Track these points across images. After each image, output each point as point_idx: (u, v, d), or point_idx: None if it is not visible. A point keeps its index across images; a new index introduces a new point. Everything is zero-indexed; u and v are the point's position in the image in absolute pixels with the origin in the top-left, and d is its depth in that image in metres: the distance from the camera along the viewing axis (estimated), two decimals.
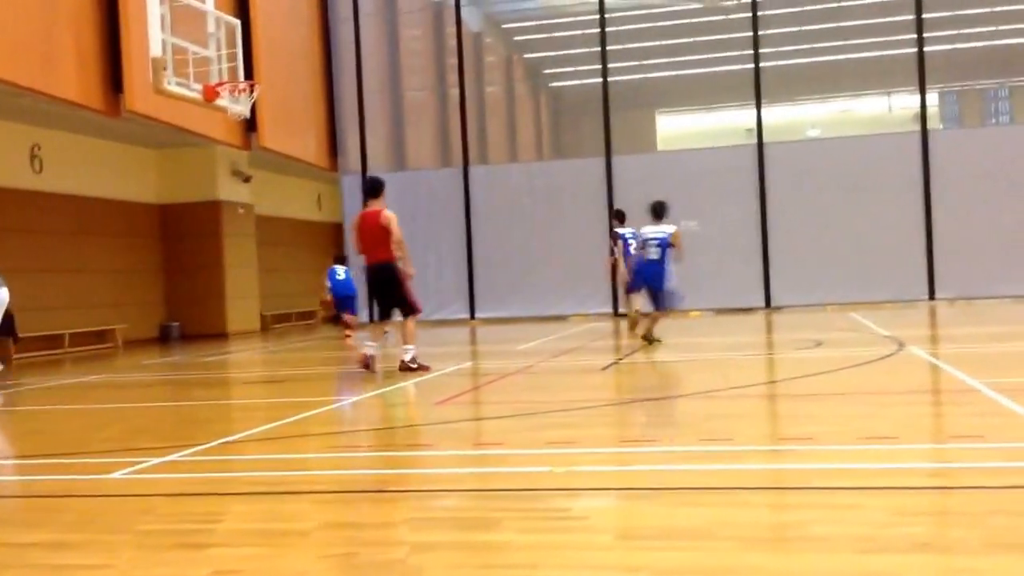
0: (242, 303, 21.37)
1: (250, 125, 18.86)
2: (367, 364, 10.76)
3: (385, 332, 11.74)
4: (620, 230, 15.49)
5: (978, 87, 33.00)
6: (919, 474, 4.68)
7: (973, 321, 15.43)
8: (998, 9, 24.82)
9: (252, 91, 13.92)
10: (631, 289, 14.50)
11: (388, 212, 10.71)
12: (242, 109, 13.87)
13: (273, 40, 20.05)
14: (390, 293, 10.82)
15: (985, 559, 3.27)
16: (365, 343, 11.31)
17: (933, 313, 18.06)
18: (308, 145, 22.66)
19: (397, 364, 10.75)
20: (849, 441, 5.54)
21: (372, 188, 11.00)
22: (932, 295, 20.84)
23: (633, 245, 14.57)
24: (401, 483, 5.15)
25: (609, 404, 7.79)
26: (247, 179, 21.70)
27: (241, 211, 21.54)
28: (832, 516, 3.92)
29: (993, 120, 33.35)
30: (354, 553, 3.74)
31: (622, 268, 15.10)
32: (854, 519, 3.85)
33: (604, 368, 10.69)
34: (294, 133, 21.88)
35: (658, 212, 13.17)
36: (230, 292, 20.97)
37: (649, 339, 12.74)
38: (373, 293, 11.10)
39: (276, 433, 6.83)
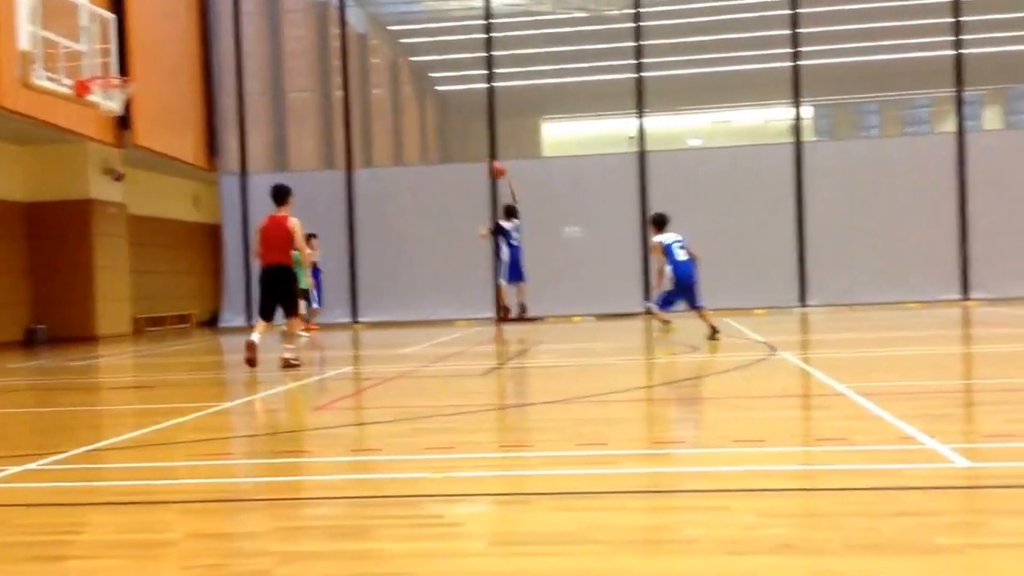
0: (113, 305, 20.66)
1: (124, 122, 18.27)
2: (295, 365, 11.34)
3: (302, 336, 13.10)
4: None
5: (850, 101, 34.35)
6: (786, 476, 4.79)
7: (842, 327, 15.98)
8: (870, 26, 25.86)
9: (126, 87, 13.52)
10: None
11: (293, 219, 11.40)
12: (115, 105, 13.46)
13: (149, 36, 19.48)
14: (281, 294, 11.40)
15: (846, 560, 3.36)
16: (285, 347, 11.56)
17: (804, 319, 18.65)
18: (185, 144, 22.07)
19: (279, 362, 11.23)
20: (720, 444, 5.65)
21: (278, 195, 11.57)
22: (804, 302, 21.53)
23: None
24: (273, 491, 5.02)
25: (488, 409, 7.79)
26: (119, 177, 20.99)
27: (113, 210, 20.83)
28: (702, 518, 3.98)
29: (863, 133, 34.74)
30: (220, 564, 3.63)
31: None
32: (723, 521, 3.92)
33: (485, 373, 10.69)
34: (170, 131, 21.27)
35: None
36: (100, 294, 20.25)
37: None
38: (264, 293, 11.53)
39: (144, 440, 6.60)
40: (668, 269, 13.16)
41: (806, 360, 10.63)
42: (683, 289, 13.21)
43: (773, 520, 3.91)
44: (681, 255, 13.20)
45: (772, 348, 11.79)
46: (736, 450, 5.47)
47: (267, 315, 11.48)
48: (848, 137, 32.75)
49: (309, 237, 16.38)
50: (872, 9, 25.65)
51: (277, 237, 11.30)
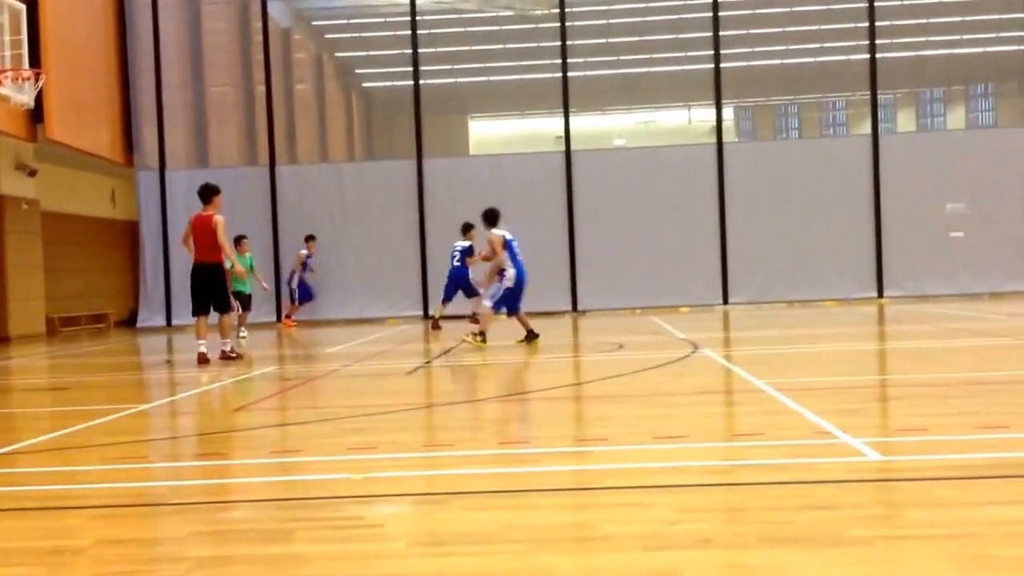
0: (26, 305, 20.08)
1: (36, 116, 17.75)
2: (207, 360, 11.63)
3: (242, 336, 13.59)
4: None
5: (770, 103, 34.96)
6: (705, 472, 4.85)
7: (762, 325, 16.26)
8: (790, 29, 26.33)
9: (38, 80, 13.18)
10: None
11: (218, 217, 11.81)
12: (26, 98, 13.11)
13: (63, 27, 18.95)
14: (212, 291, 11.87)
15: (762, 553, 3.42)
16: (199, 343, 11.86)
17: (726, 317, 18.94)
18: (101, 139, 21.52)
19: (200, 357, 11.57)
20: (641, 441, 5.70)
21: (204, 193, 11.98)
22: (726, 300, 21.85)
23: None
24: (190, 495, 4.92)
25: (412, 408, 7.74)
26: (32, 173, 20.39)
27: (25, 207, 20.24)
28: (622, 515, 4.01)
29: (783, 135, 35.40)
30: (134, 571, 3.56)
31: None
32: (642, 517, 3.95)
33: (410, 372, 10.64)
34: (86, 126, 20.73)
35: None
36: (12, 293, 19.66)
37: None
38: (195, 289, 11.96)
39: (58, 444, 6.43)
40: (511, 269, 12.65)
41: (727, 357, 10.79)
42: (518, 291, 12.75)
43: (692, 515, 3.96)
44: (518, 254, 12.86)
45: (695, 345, 11.95)
46: (657, 447, 5.52)
47: (200, 311, 11.96)
48: (768, 138, 33.34)
49: (239, 240, 16.34)
50: (792, 13, 26.11)
51: (205, 235, 11.81)
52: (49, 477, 5.38)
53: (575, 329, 17.35)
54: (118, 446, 6.36)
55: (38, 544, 3.97)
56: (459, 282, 17.09)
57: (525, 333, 12.81)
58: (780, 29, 26.41)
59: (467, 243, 17.10)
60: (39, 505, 4.69)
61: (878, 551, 3.41)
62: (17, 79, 12.83)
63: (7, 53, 13.00)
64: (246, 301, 16.61)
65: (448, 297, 17.45)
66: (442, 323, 17.54)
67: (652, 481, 4.64)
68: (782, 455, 5.14)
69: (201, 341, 11.81)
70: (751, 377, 8.37)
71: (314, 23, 27.87)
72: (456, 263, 17.11)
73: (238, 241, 16.20)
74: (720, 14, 22.69)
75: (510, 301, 12.81)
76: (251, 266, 16.64)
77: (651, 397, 7.89)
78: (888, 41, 23.44)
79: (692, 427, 6.22)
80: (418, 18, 23.00)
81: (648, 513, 4.02)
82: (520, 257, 12.84)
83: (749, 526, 3.80)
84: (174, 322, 21.59)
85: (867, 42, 22.56)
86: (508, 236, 12.80)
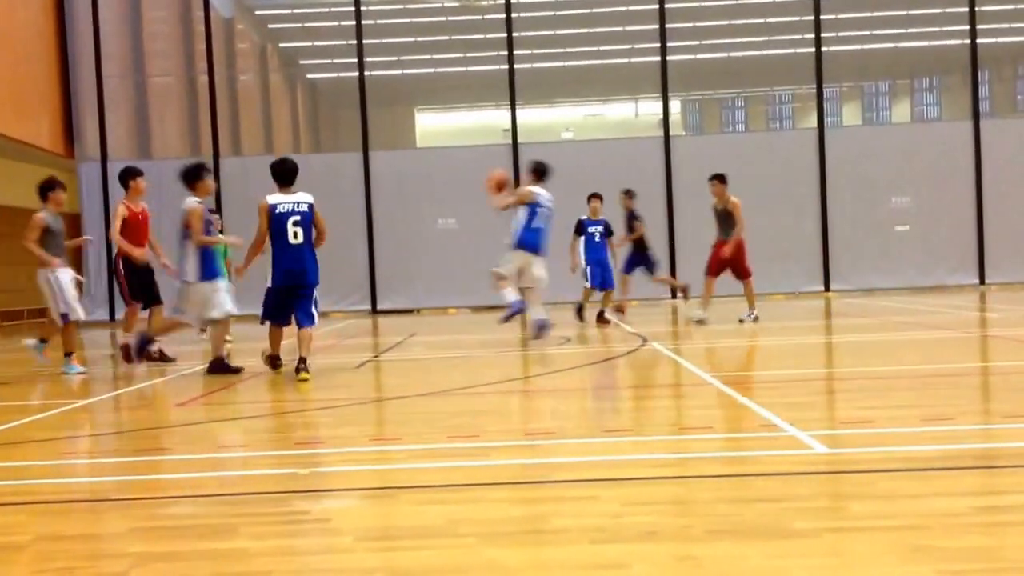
0: None
1: None
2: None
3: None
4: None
5: (717, 97, 35.25)
6: (652, 465, 4.86)
7: (712, 318, 16.36)
8: (736, 22, 26.56)
9: None
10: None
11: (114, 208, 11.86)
12: None
13: (1, 18, 18.52)
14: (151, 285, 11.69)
15: (709, 545, 3.43)
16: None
17: (675, 311, 19.05)
18: (40, 129, 21.05)
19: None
20: (590, 435, 5.71)
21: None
22: (674, 294, 21.98)
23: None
24: (131, 490, 4.83)
25: (360, 403, 7.67)
26: None
27: None
28: (570, 508, 4.01)
29: (730, 128, 35.71)
30: (74, 567, 3.48)
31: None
32: (589, 511, 3.95)
33: (358, 366, 10.56)
34: (23, 116, 20.26)
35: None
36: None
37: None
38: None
39: None
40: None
41: (675, 351, 10.85)
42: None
43: (639, 508, 3.97)
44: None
45: (643, 339, 11.99)
46: (605, 440, 5.53)
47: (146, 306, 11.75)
48: (715, 131, 33.60)
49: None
50: (738, 6, 26.34)
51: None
52: None
53: (523, 322, 17.32)
54: (58, 441, 6.23)
55: None
56: (604, 264, 15.52)
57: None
58: (726, 22, 26.61)
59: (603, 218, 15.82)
60: None
61: (824, 543, 3.44)
62: None
63: None
64: None
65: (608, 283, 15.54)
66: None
67: (600, 474, 4.64)
68: (729, 448, 5.18)
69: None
70: (699, 371, 8.43)
71: (257, 12, 27.53)
72: (597, 240, 15.71)
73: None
74: (666, 6, 22.79)
75: None
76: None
77: (599, 390, 7.91)
78: (833, 35, 23.74)
79: (640, 421, 6.24)
80: (363, 8, 22.80)
81: (596, 506, 4.02)
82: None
83: (696, 518, 3.81)
84: (118, 316, 21.21)
85: (812, 35, 22.81)
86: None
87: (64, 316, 10.59)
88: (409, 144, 30.57)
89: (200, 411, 7.64)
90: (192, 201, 10.00)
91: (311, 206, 9.28)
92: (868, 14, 26.22)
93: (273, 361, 9.66)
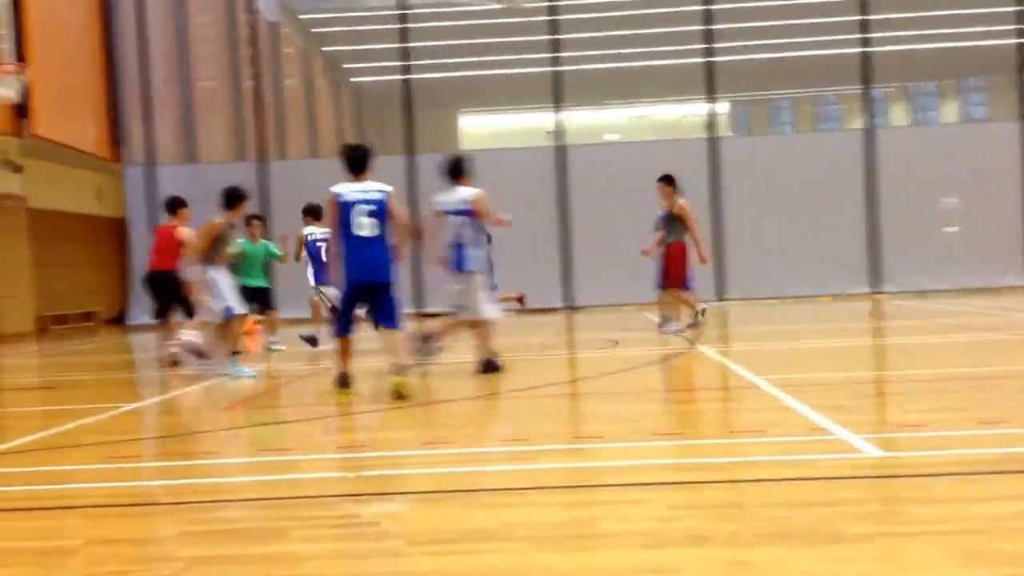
0: (14, 303, 19.92)
1: (21, 111, 17.61)
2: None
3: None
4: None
5: (764, 98, 34.98)
6: (701, 469, 4.82)
7: (758, 321, 16.22)
8: (783, 23, 26.33)
9: (21, 74, 13.08)
10: None
11: (183, 230, 11.51)
12: (10, 93, 13.00)
13: (47, 20, 18.80)
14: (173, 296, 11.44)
15: (758, 550, 3.38)
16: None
17: (723, 313, 18.89)
18: (87, 134, 21.36)
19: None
20: (638, 438, 5.66)
21: (169, 205, 12.01)
22: (722, 295, 21.79)
23: None
24: (180, 494, 4.87)
25: (406, 406, 7.68)
26: (18, 169, 20.20)
27: (11, 203, 20.06)
28: (619, 512, 3.99)
29: (777, 129, 35.41)
30: (125, 571, 3.52)
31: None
32: (639, 515, 3.92)
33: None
34: (72, 120, 20.57)
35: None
36: (0, 291, 19.52)
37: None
38: (156, 295, 11.76)
39: (46, 444, 6.37)
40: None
41: (723, 353, 10.75)
42: None
43: (688, 512, 3.93)
44: None
45: (690, 342, 11.90)
46: (654, 443, 5.48)
47: (163, 316, 11.78)
48: (762, 133, 33.30)
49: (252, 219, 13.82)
50: (785, 6, 26.12)
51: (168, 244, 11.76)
52: (40, 477, 5.32)
53: (569, 326, 17.30)
54: (109, 445, 6.31)
55: (31, 544, 3.93)
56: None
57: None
58: (773, 23, 26.39)
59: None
60: (32, 505, 4.64)
61: (877, 548, 3.39)
62: (2, 74, 12.72)
63: None
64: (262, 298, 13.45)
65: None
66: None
67: (649, 478, 4.60)
68: (779, 451, 5.11)
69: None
70: (747, 373, 8.33)
71: (302, 17, 27.80)
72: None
73: (248, 222, 13.82)
74: (713, 7, 22.63)
75: None
76: (269, 253, 13.94)
77: (647, 393, 7.85)
78: (881, 35, 23.43)
79: (688, 424, 6.19)
80: (408, 11, 22.89)
81: (645, 510, 3.99)
82: None
83: (746, 523, 3.76)
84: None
85: (860, 36, 22.53)
86: None
87: (228, 310, 10.50)
88: (452, 147, 30.64)
89: (245, 415, 7.69)
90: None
91: (386, 195, 8.20)
92: (915, 14, 25.89)
93: (343, 380, 8.27)
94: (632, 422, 6.26)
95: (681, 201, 12.72)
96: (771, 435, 5.52)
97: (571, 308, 21.92)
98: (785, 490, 4.27)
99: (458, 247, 9.28)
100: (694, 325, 12.76)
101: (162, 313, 11.83)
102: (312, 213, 13.32)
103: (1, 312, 19.51)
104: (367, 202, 8.06)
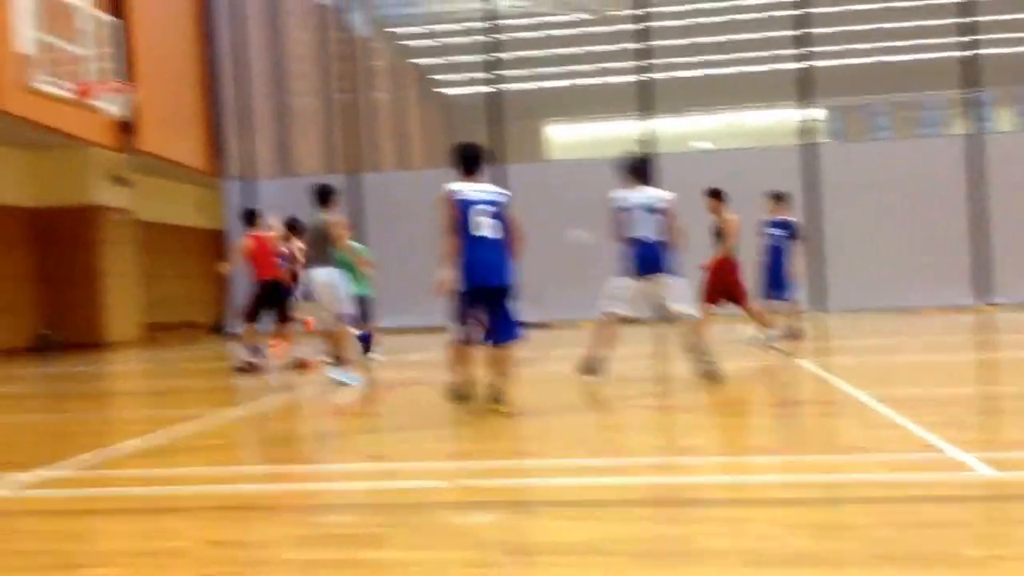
0: (121, 312, 20.60)
1: (127, 127, 18.23)
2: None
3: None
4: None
5: (860, 103, 34.24)
6: (806, 487, 4.71)
7: (860, 333, 15.82)
8: (880, 26, 25.76)
9: (128, 91, 13.51)
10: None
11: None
12: (118, 110, 13.43)
13: (151, 40, 19.42)
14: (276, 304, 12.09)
15: (868, 571, 3.30)
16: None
17: (821, 325, 18.51)
18: (189, 149, 22.03)
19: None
20: (736, 453, 5.58)
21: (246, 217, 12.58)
22: (821, 307, 21.36)
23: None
24: (285, 499, 4.97)
25: (503, 417, 7.69)
26: (126, 183, 20.93)
27: (119, 216, 20.78)
28: (719, 530, 3.92)
29: (874, 135, 34.61)
30: (234, 573, 3.61)
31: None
32: (741, 532, 3.85)
33: None
34: (174, 136, 21.23)
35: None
36: (109, 300, 20.19)
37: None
38: (262, 304, 12.21)
39: (155, 447, 6.55)
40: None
41: (824, 366, 10.53)
42: None
43: (792, 531, 3.84)
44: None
45: (789, 354, 11.68)
46: (753, 459, 5.40)
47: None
48: (859, 139, 32.57)
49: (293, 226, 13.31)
50: (882, 9, 25.56)
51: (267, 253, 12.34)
52: (149, 479, 5.48)
53: (659, 336, 17.14)
54: (215, 449, 6.46)
55: (141, 545, 4.05)
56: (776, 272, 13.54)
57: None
58: (869, 26, 25.85)
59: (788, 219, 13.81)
60: (141, 507, 4.78)
61: (992, 571, 3.28)
62: (109, 91, 13.16)
63: (99, 66, 13.35)
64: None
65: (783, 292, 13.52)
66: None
67: (749, 495, 4.53)
68: (886, 469, 4.97)
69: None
70: (850, 388, 8.14)
71: (391, 31, 28.19)
72: (773, 244, 13.70)
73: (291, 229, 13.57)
74: (807, 10, 22.26)
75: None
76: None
77: (744, 407, 7.74)
78: (984, 37, 22.73)
79: (789, 439, 6.07)
80: (496, 23, 23.03)
81: (746, 528, 3.91)
82: None
83: (854, 543, 3.66)
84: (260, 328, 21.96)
85: (963, 38, 21.90)
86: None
87: (343, 316, 10.64)
88: (540, 157, 30.70)
89: (346, 421, 7.81)
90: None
91: (505, 198, 7.67)
92: (1020, 16, 25.08)
93: (458, 392, 7.66)
94: (729, 436, 6.18)
95: (727, 215, 12.35)
96: (877, 452, 5.38)
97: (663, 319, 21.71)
98: (894, 510, 4.15)
99: (652, 246, 9.08)
100: (764, 340, 12.70)
101: (258, 318, 12.15)
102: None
103: (110, 321, 20.17)
104: (486, 202, 7.49)
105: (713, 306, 12.05)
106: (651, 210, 9.10)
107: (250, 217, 12.61)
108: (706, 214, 12.35)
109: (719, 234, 12.33)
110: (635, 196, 9.01)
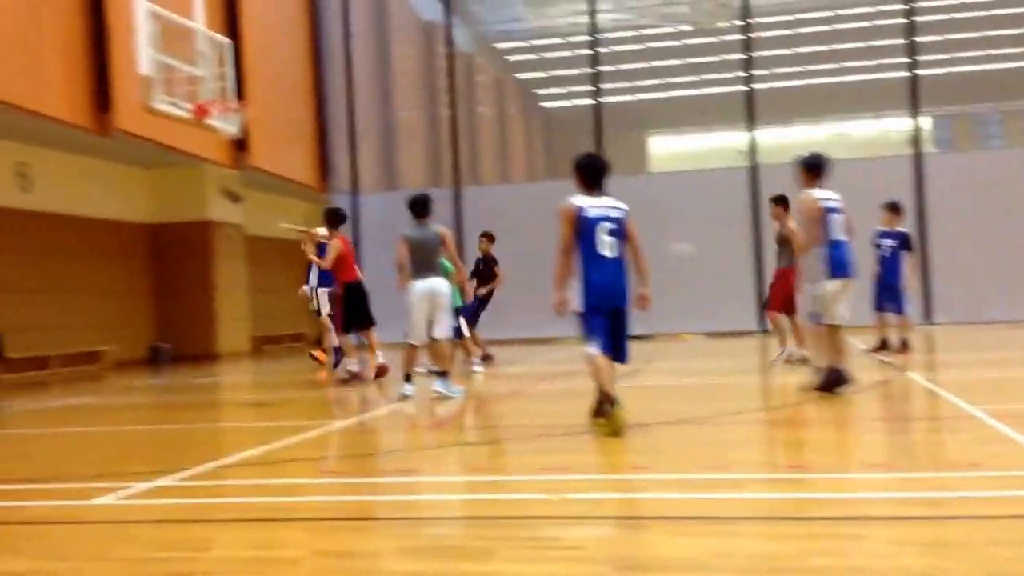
0: (233, 324, 21.22)
1: (240, 144, 18.80)
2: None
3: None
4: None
5: (970, 111, 33.18)
6: (918, 504, 4.59)
7: (970, 346, 15.34)
8: (989, 34, 24.97)
9: (242, 110, 13.89)
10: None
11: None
12: (233, 128, 13.81)
13: (263, 59, 20.02)
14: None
15: None
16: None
17: (930, 338, 17.98)
18: (298, 164, 22.61)
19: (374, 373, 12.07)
20: (847, 469, 5.47)
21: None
22: (929, 319, 20.77)
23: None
24: (391, 510, 5.05)
25: (612, 432, 7.67)
26: (238, 199, 21.59)
27: (231, 231, 21.43)
28: (830, 547, 3.84)
29: (984, 144, 33.48)
30: None
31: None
32: (852, 550, 3.78)
33: None
34: (284, 152, 21.82)
35: None
36: (221, 313, 20.82)
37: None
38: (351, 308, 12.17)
39: (265, 458, 6.72)
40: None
41: (935, 381, 10.23)
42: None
43: (908, 549, 3.76)
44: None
45: (898, 368, 11.39)
46: (864, 475, 5.28)
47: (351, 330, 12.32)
48: (969, 148, 31.57)
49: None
50: (991, 17, 24.77)
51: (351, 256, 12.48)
52: (262, 489, 5.61)
53: (765, 349, 16.88)
54: (322, 460, 6.60)
55: (255, 554, 4.14)
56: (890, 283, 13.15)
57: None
58: (979, 34, 25.07)
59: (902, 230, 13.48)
60: (252, 516, 4.90)
61: None
62: (224, 110, 13.55)
63: (214, 85, 13.76)
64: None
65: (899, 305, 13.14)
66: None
67: (860, 512, 4.44)
68: (1003, 486, 4.82)
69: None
70: (962, 403, 7.90)
71: (495, 46, 28.46)
72: (886, 255, 13.29)
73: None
74: (915, 20, 21.71)
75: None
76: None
77: (854, 422, 7.57)
78: None
79: (901, 455, 5.92)
80: (597, 36, 23.04)
81: (860, 545, 3.84)
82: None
83: (967, 562, 3.56)
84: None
85: None
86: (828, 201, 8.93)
87: (458, 331, 10.64)
88: (642, 169, 30.54)
89: (448, 433, 7.89)
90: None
91: (625, 213, 7.43)
92: None
93: (602, 406, 7.11)
94: (840, 452, 6.05)
95: (792, 224, 11.95)
96: (992, 468, 5.21)
97: (765, 332, 21.39)
98: (1007, 527, 4.03)
99: (848, 247, 8.82)
100: (883, 348, 12.57)
101: (355, 327, 12.14)
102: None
103: (221, 333, 20.79)
104: (609, 219, 7.21)
105: (780, 315, 11.95)
106: (839, 211, 8.86)
107: (338, 217, 12.55)
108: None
109: (781, 242, 12.10)
110: (826, 196, 8.68)
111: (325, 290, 13.00)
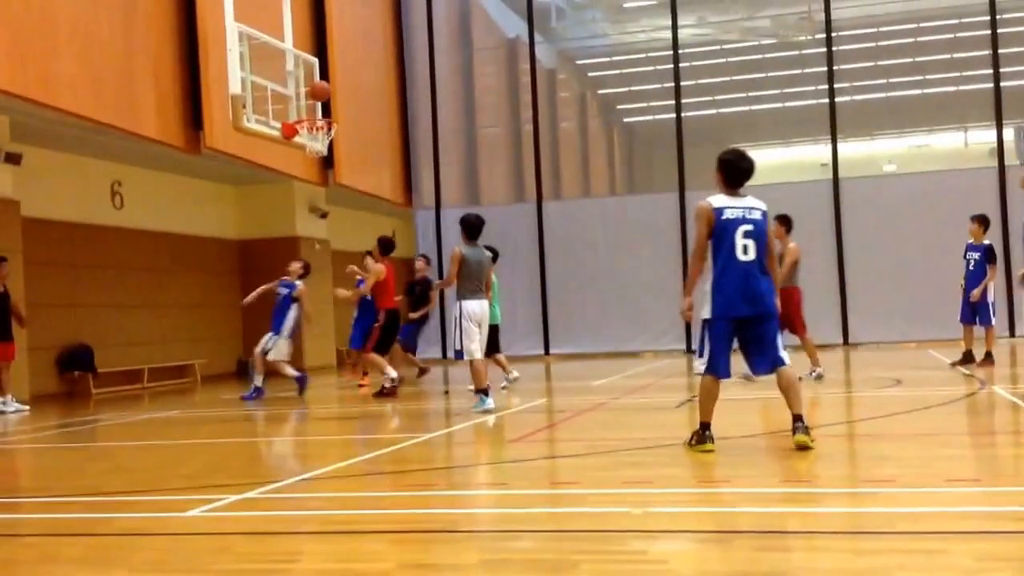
0: (318, 338, 21.62)
1: (327, 162, 19.19)
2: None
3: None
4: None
5: None
6: (1006, 518, 4.54)
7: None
8: None
9: (330, 129, 14.20)
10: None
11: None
12: (320, 146, 14.13)
13: (350, 77, 20.41)
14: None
15: None
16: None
17: (1015, 351, 17.54)
18: (383, 181, 22.96)
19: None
20: (932, 484, 5.41)
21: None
22: (1013, 332, 20.24)
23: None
24: (475, 523, 5.14)
25: (679, 442, 7.69)
26: (324, 215, 22.05)
27: (318, 247, 21.87)
28: (916, 562, 3.83)
29: None
30: None
31: None
32: (939, 565, 3.76)
33: (678, 406, 10.58)
34: (370, 169, 22.18)
35: None
36: (307, 328, 21.21)
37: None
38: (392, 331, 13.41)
39: (351, 471, 6.88)
40: None
41: (1019, 394, 10.00)
42: None
43: (997, 564, 3.73)
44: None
45: (982, 382, 11.16)
46: (950, 490, 5.22)
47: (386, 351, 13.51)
48: None
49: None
50: None
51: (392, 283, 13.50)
52: (348, 502, 5.75)
53: (847, 363, 16.62)
54: (407, 473, 6.73)
55: (342, 567, 4.22)
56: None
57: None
58: None
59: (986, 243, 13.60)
60: (339, 529, 4.98)
61: None
62: (312, 129, 13.88)
63: (302, 104, 14.11)
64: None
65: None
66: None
67: (946, 526, 4.39)
68: None
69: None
70: None
71: (578, 62, 28.56)
72: (972, 268, 13.58)
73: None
74: (999, 30, 21.24)
75: None
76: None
77: (939, 436, 7.46)
78: None
79: (987, 470, 5.83)
80: (680, 51, 22.99)
81: (946, 560, 3.81)
82: None
83: None
84: (449, 354, 22.56)
85: None
86: None
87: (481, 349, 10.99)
88: None
89: (531, 447, 7.97)
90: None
91: (764, 214, 6.88)
92: None
93: (701, 432, 6.83)
94: (924, 466, 5.98)
95: (792, 244, 11.96)
96: None
97: (847, 344, 21.07)
98: None
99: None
100: (967, 362, 12.66)
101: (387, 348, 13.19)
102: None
103: (307, 346, 21.18)
104: (748, 221, 6.72)
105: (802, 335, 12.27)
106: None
107: (389, 246, 13.39)
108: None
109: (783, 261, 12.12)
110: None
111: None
